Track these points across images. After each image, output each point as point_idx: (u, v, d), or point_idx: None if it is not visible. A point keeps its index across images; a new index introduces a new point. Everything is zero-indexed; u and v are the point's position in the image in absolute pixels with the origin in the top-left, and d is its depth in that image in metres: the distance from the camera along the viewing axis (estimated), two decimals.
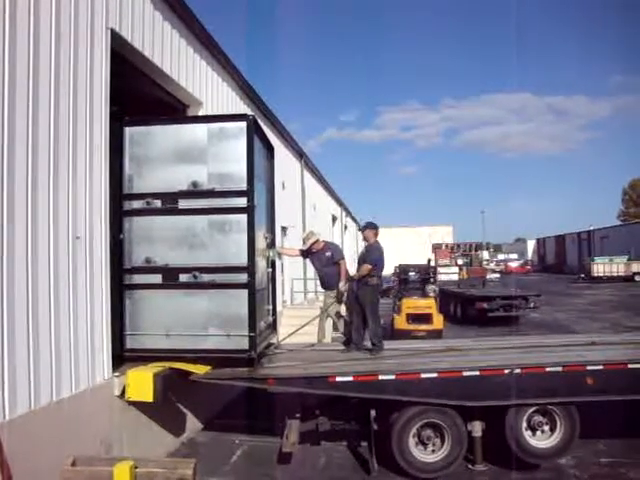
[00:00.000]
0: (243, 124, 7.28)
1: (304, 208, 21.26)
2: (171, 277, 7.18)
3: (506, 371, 6.79)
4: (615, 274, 49.80)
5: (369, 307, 8.51)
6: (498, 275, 45.46)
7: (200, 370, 7.02)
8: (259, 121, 8.19)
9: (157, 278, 7.22)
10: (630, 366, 6.93)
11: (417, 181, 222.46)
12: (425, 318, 15.35)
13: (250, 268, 7.09)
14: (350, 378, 6.84)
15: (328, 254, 9.24)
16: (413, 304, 15.81)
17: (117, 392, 6.53)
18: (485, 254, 47.17)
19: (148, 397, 6.47)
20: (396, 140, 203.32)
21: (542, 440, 6.94)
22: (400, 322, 15.52)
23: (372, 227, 8.86)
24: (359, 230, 9.76)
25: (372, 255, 8.63)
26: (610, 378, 6.85)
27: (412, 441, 6.79)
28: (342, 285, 9.13)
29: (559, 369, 6.87)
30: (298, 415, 7.38)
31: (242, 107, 12.29)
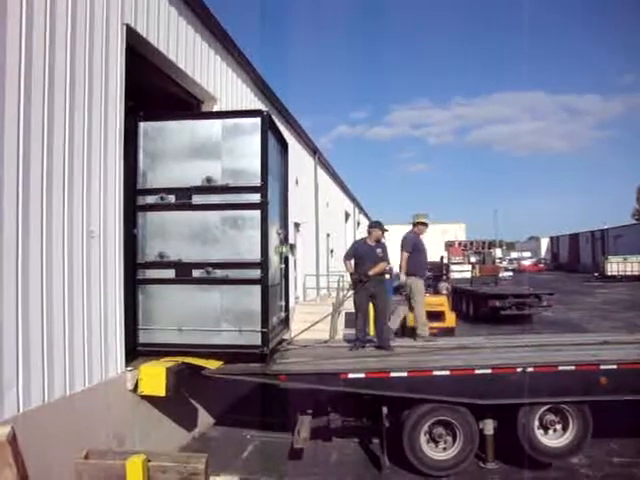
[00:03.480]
0: (257, 120, 7.29)
1: (317, 204, 21.26)
2: (184, 272, 7.20)
3: (518, 369, 6.76)
4: (629, 273, 49.45)
5: (384, 304, 8.55)
6: (511, 273, 45.29)
7: (212, 365, 7.04)
8: (273, 117, 8.19)
9: (170, 273, 7.25)
10: None
11: (428, 178, 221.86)
12: (437, 315, 15.28)
13: (263, 264, 7.11)
14: (362, 375, 6.84)
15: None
16: (425, 301, 15.74)
17: (130, 386, 6.57)
18: (498, 252, 46.94)
19: (160, 391, 6.51)
20: (407, 137, 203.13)
21: (554, 439, 6.91)
22: (412, 319, 15.47)
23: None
24: (371, 227, 9.66)
25: (387, 253, 8.69)
26: (624, 378, 6.81)
27: (423, 438, 6.78)
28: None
29: (572, 368, 6.84)
30: (310, 411, 7.40)
31: (256, 103, 12.28)
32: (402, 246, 9.60)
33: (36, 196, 5.05)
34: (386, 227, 9.09)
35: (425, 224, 9.90)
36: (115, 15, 6.50)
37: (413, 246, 9.58)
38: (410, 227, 9.99)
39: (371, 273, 8.40)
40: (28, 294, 4.91)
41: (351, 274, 8.77)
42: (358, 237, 35.73)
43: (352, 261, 8.83)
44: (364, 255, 8.57)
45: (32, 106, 5.01)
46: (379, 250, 8.65)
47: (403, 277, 9.51)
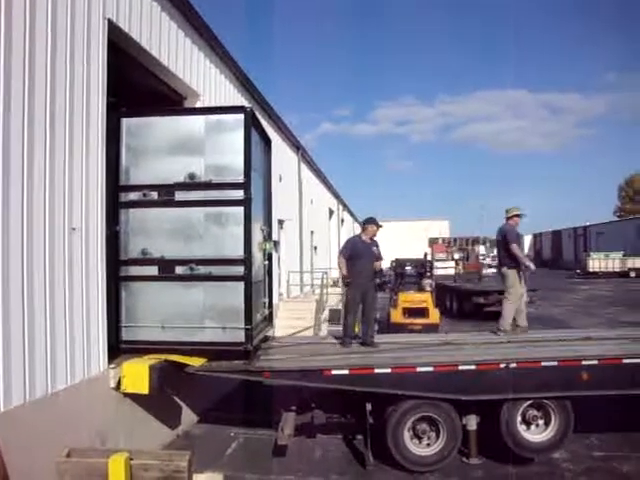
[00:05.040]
0: (241, 116, 7.26)
1: (301, 201, 21.24)
2: (167, 269, 7.16)
3: (502, 365, 6.81)
4: (611, 269, 50.04)
5: (373, 301, 8.59)
6: (494, 270, 45.50)
7: (196, 362, 7.02)
8: (257, 113, 8.16)
9: (153, 270, 7.20)
10: (625, 361, 6.95)
11: (413, 176, 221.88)
12: (421, 312, 15.34)
13: (246, 261, 7.08)
14: (346, 371, 6.84)
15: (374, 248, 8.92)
16: (409, 298, 15.80)
17: (113, 384, 6.54)
18: (481, 249, 47.21)
19: (144, 389, 6.48)
20: (391, 135, 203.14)
21: (536, 434, 6.97)
22: (396, 316, 15.52)
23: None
24: (367, 223, 9.56)
25: (380, 251, 8.70)
26: (605, 373, 6.88)
27: (407, 435, 6.81)
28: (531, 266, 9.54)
29: (554, 364, 6.90)
30: (294, 408, 7.39)
31: (240, 99, 12.26)
32: (507, 238, 9.50)
33: (16, 193, 4.99)
34: (381, 224, 9.04)
35: (520, 216, 9.85)
36: (96, 9, 6.44)
37: (517, 237, 9.61)
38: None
39: (378, 270, 8.69)
40: (9, 291, 4.87)
41: (344, 276, 8.70)
42: (343, 234, 35.86)
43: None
44: (362, 252, 8.51)
45: (12, 100, 4.95)
46: (375, 248, 8.65)
47: (532, 266, 9.58)
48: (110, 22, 6.73)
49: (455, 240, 38.78)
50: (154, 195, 7.22)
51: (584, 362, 6.91)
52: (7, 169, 4.87)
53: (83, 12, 6.16)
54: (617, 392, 6.96)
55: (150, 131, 7.36)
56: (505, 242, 9.48)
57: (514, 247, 9.34)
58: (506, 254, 9.52)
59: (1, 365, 4.73)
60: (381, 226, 8.98)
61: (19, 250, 5.03)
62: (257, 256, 7.80)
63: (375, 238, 8.88)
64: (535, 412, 6.95)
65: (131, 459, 4.56)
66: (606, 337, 9.01)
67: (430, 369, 6.84)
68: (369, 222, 8.88)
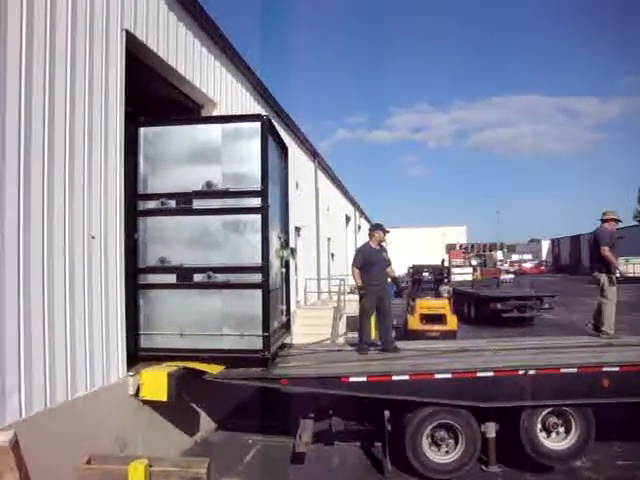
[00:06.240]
0: (257, 124, 7.30)
1: (318, 208, 21.24)
2: (185, 277, 7.20)
3: (520, 372, 6.76)
4: (631, 274, 49.35)
5: (389, 307, 8.56)
6: (512, 276, 45.22)
7: (214, 370, 7.04)
8: (273, 121, 8.20)
9: (171, 278, 7.25)
10: None
11: (429, 181, 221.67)
12: (439, 318, 15.28)
13: (264, 268, 7.10)
14: (364, 378, 6.83)
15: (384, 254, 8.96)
16: (427, 304, 15.74)
17: (132, 391, 6.57)
18: (499, 254, 46.96)
19: (162, 396, 6.51)
20: (407, 141, 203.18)
21: (557, 442, 6.89)
22: (414, 322, 15.46)
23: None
24: (374, 230, 9.53)
25: (388, 257, 8.69)
26: (626, 380, 6.80)
27: (426, 442, 6.77)
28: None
29: (574, 370, 6.83)
30: (311, 415, 7.39)
31: (256, 107, 12.31)
32: (600, 240, 9.39)
33: (37, 202, 5.05)
34: (387, 229, 9.05)
35: (617, 220, 9.74)
36: (115, 21, 6.52)
37: (610, 240, 9.47)
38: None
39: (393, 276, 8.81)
40: (30, 299, 4.92)
41: (359, 287, 8.65)
42: (359, 241, 35.82)
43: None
44: (374, 260, 8.52)
45: (33, 111, 5.02)
46: (384, 254, 8.65)
47: (620, 270, 9.39)
48: (128, 33, 6.80)
49: (472, 246, 38.63)
50: (172, 203, 7.27)
51: (605, 369, 6.84)
52: (28, 178, 4.93)
53: (102, 24, 6.23)
54: (639, 399, 6.88)
55: (168, 140, 7.42)
56: (597, 245, 9.39)
57: (604, 249, 9.23)
58: (598, 257, 9.40)
59: (23, 373, 4.78)
60: (388, 231, 8.97)
61: (39, 258, 5.08)
62: (274, 263, 7.81)
63: (383, 244, 8.89)
64: (555, 419, 6.88)
65: (150, 466, 4.59)
66: (627, 343, 8.92)
67: (448, 376, 6.80)
68: (376, 228, 8.90)
